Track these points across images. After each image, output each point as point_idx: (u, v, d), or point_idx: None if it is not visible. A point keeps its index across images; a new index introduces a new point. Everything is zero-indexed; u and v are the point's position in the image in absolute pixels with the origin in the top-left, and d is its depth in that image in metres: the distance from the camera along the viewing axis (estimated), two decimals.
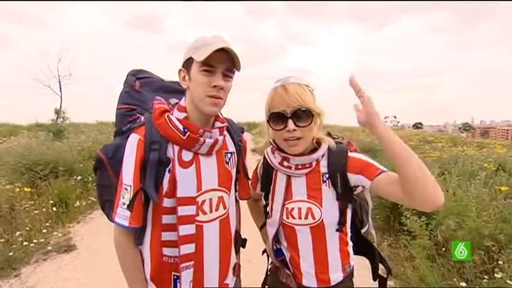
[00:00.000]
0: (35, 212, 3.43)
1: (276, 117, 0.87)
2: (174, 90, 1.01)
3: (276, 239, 0.98)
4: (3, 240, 2.91)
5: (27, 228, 3.16)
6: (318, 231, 0.91)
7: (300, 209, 0.92)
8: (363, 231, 1.02)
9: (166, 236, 0.85)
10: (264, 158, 1.02)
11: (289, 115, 0.85)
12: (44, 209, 3.57)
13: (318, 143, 0.93)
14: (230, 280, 0.96)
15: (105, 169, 0.91)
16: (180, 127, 0.83)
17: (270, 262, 1.09)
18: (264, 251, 1.11)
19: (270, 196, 1.00)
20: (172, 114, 0.86)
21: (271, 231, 0.98)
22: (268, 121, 0.91)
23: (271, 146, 0.98)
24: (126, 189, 0.81)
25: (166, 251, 0.86)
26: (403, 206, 2.80)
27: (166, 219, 0.85)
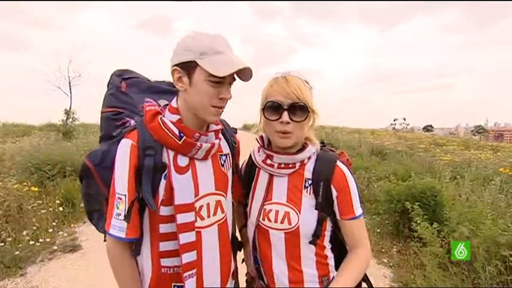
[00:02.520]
0: (42, 211, 3.48)
1: (272, 107, 0.86)
2: (163, 91, 0.98)
3: (254, 245, 0.95)
4: (10, 238, 2.95)
5: (34, 228, 3.21)
6: (292, 237, 0.87)
7: (277, 212, 0.88)
8: None
9: (164, 246, 0.82)
10: (250, 156, 0.99)
11: (286, 107, 0.84)
12: (51, 209, 3.61)
13: (305, 144, 0.91)
14: (230, 284, 0.94)
15: (92, 177, 0.87)
16: (176, 131, 0.79)
17: (246, 272, 1.06)
18: (243, 260, 1.07)
19: (251, 195, 0.97)
20: (164, 117, 0.82)
21: (250, 233, 0.95)
22: (263, 109, 0.88)
23: (258, 145, 0.96)
24: (121, 198, 0.77)
25: (165, 261, 0.83)
26: (413, 211, 2.72)
27: (163, 228, 0.81)
